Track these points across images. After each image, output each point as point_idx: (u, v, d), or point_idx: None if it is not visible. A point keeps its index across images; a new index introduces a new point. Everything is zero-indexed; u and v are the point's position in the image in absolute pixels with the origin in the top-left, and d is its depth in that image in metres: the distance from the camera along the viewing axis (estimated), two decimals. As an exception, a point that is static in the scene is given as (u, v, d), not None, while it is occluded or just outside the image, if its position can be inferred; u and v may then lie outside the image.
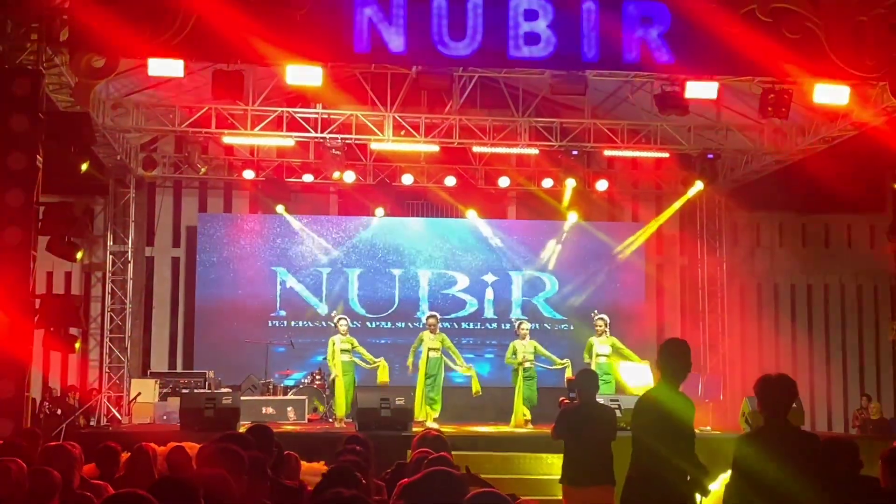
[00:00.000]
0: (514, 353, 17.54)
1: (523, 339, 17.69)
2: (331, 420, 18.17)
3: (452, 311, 21.50)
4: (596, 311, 18.11)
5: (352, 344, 17.71)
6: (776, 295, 22.68)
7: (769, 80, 14.83)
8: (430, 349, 17.54)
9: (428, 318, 18.14)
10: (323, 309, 21.20)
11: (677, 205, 21.49)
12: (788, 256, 22.58)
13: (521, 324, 18.17)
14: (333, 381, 17.74)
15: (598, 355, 17.22)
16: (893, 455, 6.13)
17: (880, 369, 22.24)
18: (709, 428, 17.04)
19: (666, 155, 19.84)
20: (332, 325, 18.29)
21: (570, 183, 20.48)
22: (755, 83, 15.33)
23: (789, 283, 22.72)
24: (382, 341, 20.56)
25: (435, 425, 16.32)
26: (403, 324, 20.94)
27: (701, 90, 14.55)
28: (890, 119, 15.92)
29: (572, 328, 20.96)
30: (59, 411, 18.18)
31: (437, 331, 17.79)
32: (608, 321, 17.67)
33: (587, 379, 9.35)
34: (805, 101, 15.41)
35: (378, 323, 21.22)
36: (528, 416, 17.39)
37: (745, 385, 21.71)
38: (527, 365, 17.45)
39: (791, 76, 14.41)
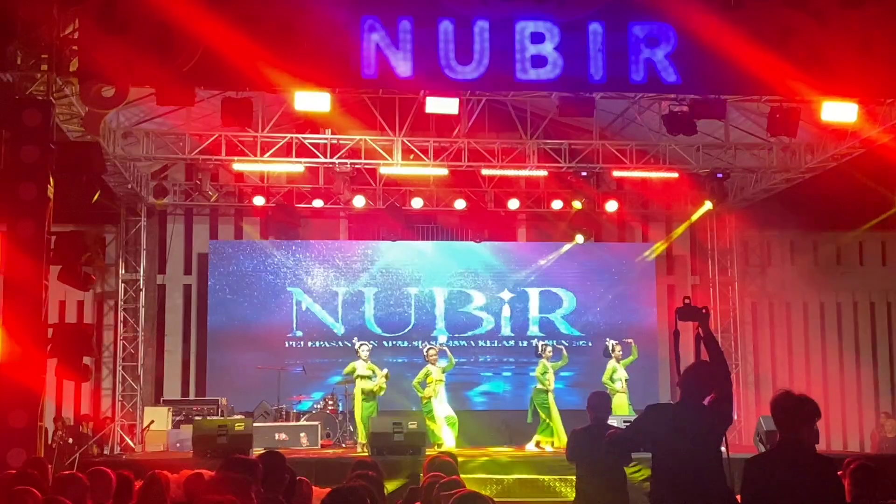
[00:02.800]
0: (546, 372, 17.67)
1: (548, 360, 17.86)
2: (344, 446, 18.12)
3: (469, 329, 21.55)
4: (609, 339, 18.20)
5: (373, 371, 17.66)
6: (788, 314, 22.60)
7: (777, 99, 14.84)
8: (436, 381, 17.49)
9: (428, 350, 17.91)
10: (339, 329, 21.23)
11: (688, 222, 21.47)
12: (800, 275, 22.49)
13: (546, 347, 18.16)
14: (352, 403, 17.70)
15: (620, 380, 17.40)
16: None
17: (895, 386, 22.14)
18: (722, 449, 16.95)
19: (675, 175, 19.81)
20: (354, 349, 18.05)
21: (576, 204, 20.54)
22: (763, 102, 15.34)
23: (801, 301, 22.63)
24: (399, 360, 20.50)
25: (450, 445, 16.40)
26: (420, 343, 20.89)
27: (709, 110, 14.56)
28: (898, 135, 15.92)
29: (590, 345, 20.97)
30: (70, 440, 18.18)
31: (437, 361, 17.76)
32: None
33: (599, 401, 9.31)
34: (813, 119, 15.41)
35: (395, 342, 21.22)
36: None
37: (759, 405, 21.65)
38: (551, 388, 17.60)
39: (798, 94, 14.42)
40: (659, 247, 22.13)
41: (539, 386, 17.69)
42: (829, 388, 21.93)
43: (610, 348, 17.99)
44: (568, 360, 18.26)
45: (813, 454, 5.92)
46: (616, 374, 17.64)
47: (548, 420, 17.40)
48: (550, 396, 17.52)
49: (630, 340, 18.30)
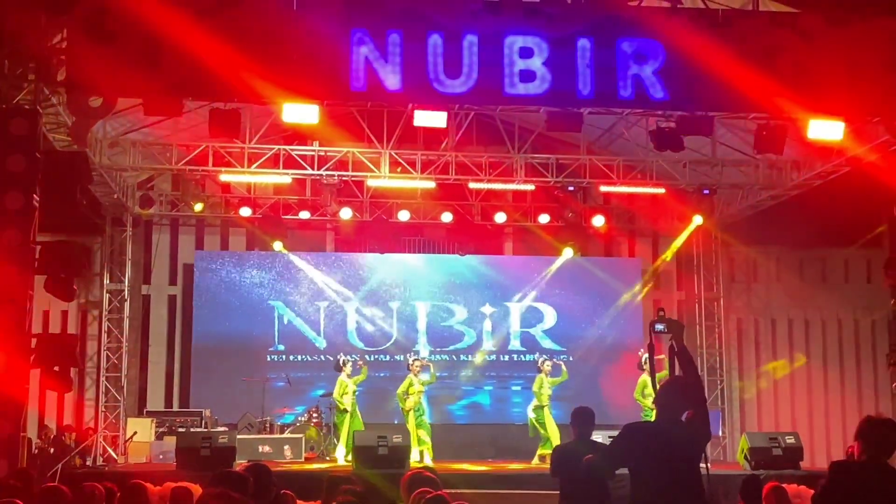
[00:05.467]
0: (542, 387, 17.64)
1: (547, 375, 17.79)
2: (328, 459, 18.08)
3: (450, 343, 21.53)
4: (643, 351, 17.98)
5: (358, 382, 17.82)
6: (773, 330, 22.65)
7: (763, 117, 14.89)
8: (417, 392, 17.56)
9: (414, 361, 18.03)
10: (321, 343, 21.18)
11: (683, 236, 21.44)
12: (786, 292, 22.56)
13: (545, 362, 18.07)
14: (342, 413, 17.75)
15: (652, 395, 17.20)
16: None
17: (879, 404, 22.15)
18: (702, 465, 16.90)
19: (662, 191, 19.87)
20: (340, 364, 18.12)
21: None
22: (750, 119, 15.40)
23: (787, 318, 22.69)
24: (381, 374, 20.47)
25: (428, 461, 16.38)
26: (402, 356, 20.85)
27: (696, 126, 14.57)
28: (884, 154, 15.97)
29: (571, 359, 20.97)
30: (51, 451, 18.04)
31: (420, 374, 17.81)
32: None
33: (581, 416, 9.26)
34: (800, 136, 15.46)
35: (376, 356, 21.16)
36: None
37: (743, 421, 21.70)
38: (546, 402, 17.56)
39: (785, 112, 14.47)
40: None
41: (535, 402, 17.66)
42: (814, 404, 21.99)
43: (643, 361, 17.42)
44: (567, 376, 18.16)
45: None
46: (647, 390, 17.19)
47: (546, 434, 17.38)
48: (546, 411, 17.47)
49: (663, 357, 17.96)
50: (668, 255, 21.99)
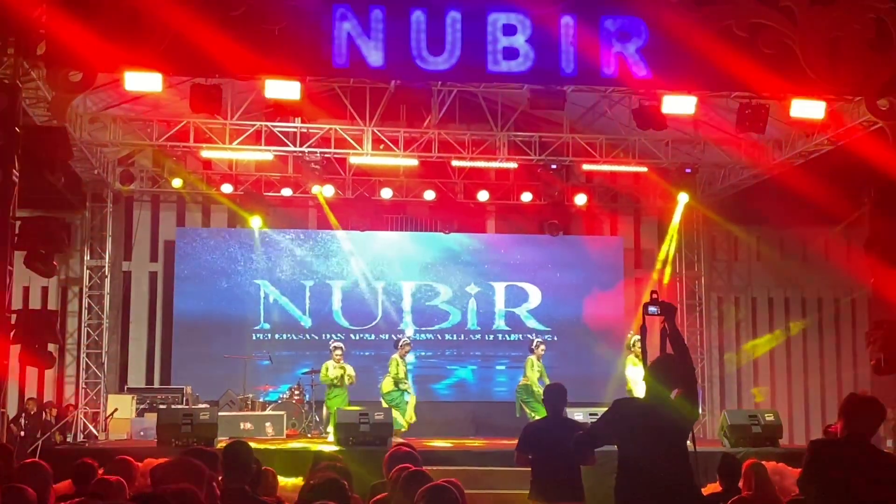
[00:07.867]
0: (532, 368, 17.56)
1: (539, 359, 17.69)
2: (310, 436, 18.09)
3: (435, 322, 21.54)
4: (632, 333, 17.92)
5: (344, 370, 17.64)
6: (754, 308, 22.75)
7: (746, 95, 14.90)
8: (405, 371, 17.55)
9: (403, 344, 17.96)
10: (306, 322, 21.15)
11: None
12: (766, 270, 22.66)
13: (540, 345, 18.04)
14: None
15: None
16: None
17: (858, 382, 22.30)
18: (689, 443, 16.96)
19: (644, 169, 19.89)
20: (329, 348, 18.11)
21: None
22: (732, 98, 15.41)
23: (767, 296, 22.80)
24: (366, 353, 20.53)
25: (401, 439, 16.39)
26: (387, 336, 20.82)
27: (678, 105, 14.57)
28: (866, 134, 16.02)
29: (556, 339, 21.01)
30: (22, 434, 17.96)
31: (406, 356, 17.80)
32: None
33: (554, 394, 9.25)
34: (782, 115, 15.49)
35: (361, 335, 21.16)
36: None
37: (723, 399, 21.81)
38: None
39: (768, 91, 14.48)
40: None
41: (523, 381, 17.58)
42: (793, 382, 22.12)
43: (631, 343, 17.17)
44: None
45: (878, 450, 6.12)
46: (629, 370, 17.28)
47: (535, 416, 17.36)
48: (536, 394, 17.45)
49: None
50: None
